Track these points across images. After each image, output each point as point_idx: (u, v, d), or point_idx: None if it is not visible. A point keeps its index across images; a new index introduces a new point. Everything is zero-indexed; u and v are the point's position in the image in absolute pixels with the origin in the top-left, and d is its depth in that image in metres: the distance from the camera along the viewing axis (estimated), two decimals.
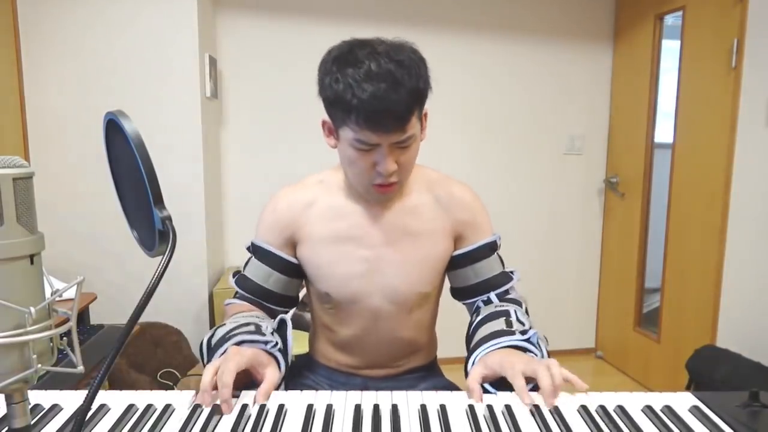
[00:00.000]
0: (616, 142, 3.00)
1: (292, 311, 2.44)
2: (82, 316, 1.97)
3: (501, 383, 0.88)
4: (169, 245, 0.57)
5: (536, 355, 0.91)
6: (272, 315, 1.10)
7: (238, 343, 0.91)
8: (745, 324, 2.19)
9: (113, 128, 0.60)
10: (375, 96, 0.88)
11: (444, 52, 2.82)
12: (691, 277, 2.44)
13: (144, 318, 2.19)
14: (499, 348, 0.92)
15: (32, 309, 0.50)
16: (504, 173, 2.98)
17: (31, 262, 0.51)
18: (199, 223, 2.37)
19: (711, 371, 2.06)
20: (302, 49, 2.64)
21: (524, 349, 0.92)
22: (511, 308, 1.03)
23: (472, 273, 1.11)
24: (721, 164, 2.23)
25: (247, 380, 0.88)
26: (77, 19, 2.19)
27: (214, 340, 0.96)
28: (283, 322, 1.02)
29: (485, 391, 0.87)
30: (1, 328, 0.49)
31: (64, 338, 0.55)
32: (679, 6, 2.48)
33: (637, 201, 2.80)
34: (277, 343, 0.94)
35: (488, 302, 1.10)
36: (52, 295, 0.52)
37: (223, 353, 0.90)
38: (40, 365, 0.51)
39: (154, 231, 0.59)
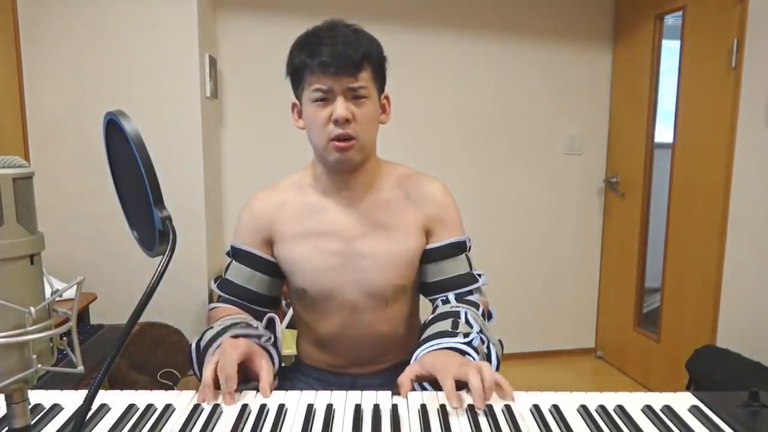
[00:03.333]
0: (616, 142, 3.00)
1: (288, 313, 2.44)
2: (82, 316, 1.97)
3: (438, 383, 0.87)
4: (169, 245, 0.57)
5: (474, 359, 0.90)
6: (256, 316, 1.11)
7: (233, 337, 0.93)
8: (745, 324, 2.19)
9: (113, 128, 0.60)
10: (328, 45, 0.97)
11: (443, 52, 2.82)
12: (691, 277, 2.44)
13: (144, 318, 2.19)
14: (438, 349, 0.92)
15: (32, 309, 0.50)
16: (504, 173, 2.98)
17: (31, 262, 0.51)
18: (199, 223, 2.37)
19: (711, 371, 2.06)
20: None
21: (464, 352, 0.92)
22: (463, 310, 1.02)
23: (436, 270, 1.11)
24: (721, 164, 2.23)
25: (241, 375, 0.88)
26: (77, 19, 2.19)
27: (203, 344, 0.96)
28: (271, 321, 1.03)
29: (423, 389, 0.88)
30: (1, 328, 0.49)
31: (64, 338, 0.55)
32: (679, 6, 2.48)
33: (637, 201, 2.80)
34: (270, 338, 0.97)
35: (446, 302, 1.10)
36: (52, 295, 0.52)
37: (217, 347, 0.91)
38: (40, 365, 0.51)
39: (154, 231, 0.59)
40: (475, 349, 0.92)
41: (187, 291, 2.39)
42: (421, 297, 1.20)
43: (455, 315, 1.01)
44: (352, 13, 2.67)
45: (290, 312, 2.39)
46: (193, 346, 0.98)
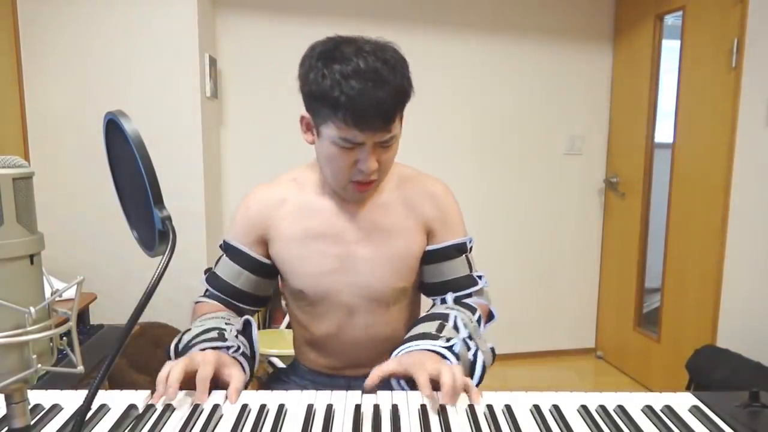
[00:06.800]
0: (616, 142, 3.00)
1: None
2: (82, 316, 1.97)
3: (413, 383, 0.87)
4: (169, 245, 0.57)
5: (451, 363, 0.90)
6: (241, 314, 1.10)
7: (202, 350, 0.91)
8: (745, 324, 2.19)
9: (113, 128, 0.60)
10: (363, 94, 0.88)
11: (443, 52, 2.81)
12: (691, 277, 2.44)
13: (144, 318, 2.18)
14: (417, 350, 0.91)
15: (32, 309, 0.50)
16: (504, 173, 2.98)
17: (31, 262, 0.51)
18: (199, 223, 2.37)
19: (711, 371, 2.06)
20: (302, 48, 2.61)
21: (444, 356, 0.91)
22: (452, 313, 1.01)
23: (437, 271, 1.10)
24: (721, 164, 2.23)
25: (212, 385, 0.87)
26: (77, 20, 2.19)
27: (181, 345, 0.96)
28: (248, 323, 1.02)
29: (401, 387, 0.87)
30: (1, 328, 0.49)
31: (64, 338, 0.55)
32: (679, 6, 2.48)
33: (637, 201, 2.80)
34: (239, 348, 0.94)
35: (444, 303, 1.09)
36: (52, 295, 0.52)
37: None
38: (40, 365, 0.51)
39: (154, 231, 0.59)
40: (456, 355, 0.91)
41: (187, 291, 2.39)
42: (424, 300, 1.19)
43: (443, 318, 1.00)
44: (352, 13, 2.67)
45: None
46: (172, 347, 0.98)
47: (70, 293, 0.52)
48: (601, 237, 3.14)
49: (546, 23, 2.89)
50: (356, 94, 0.87)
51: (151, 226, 0.59)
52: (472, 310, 1.06)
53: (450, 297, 1.09)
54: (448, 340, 0.93)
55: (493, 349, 1.02)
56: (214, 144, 2.56)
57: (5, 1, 2.08)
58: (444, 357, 0.90)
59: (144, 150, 0.57)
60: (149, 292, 0.53)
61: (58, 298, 0.52)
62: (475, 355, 0.95)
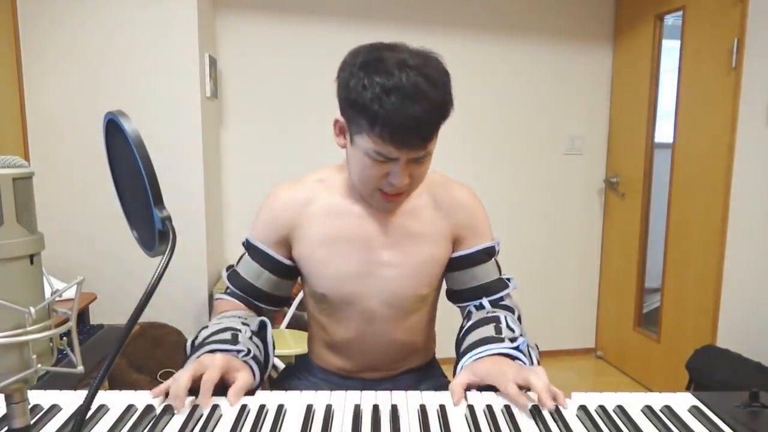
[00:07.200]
0: (616, 142, 3.00)
1: (293, 310, 2.43)
2: (82, 316, 1.97)
3: (488, 389, 0.87)
4: (169, 245, 0.57)
5: (524, 363, 0.90)
6: (260, 314, 1.09)
7: (212, 351, 0.89)
8: (746, 324, 2.19)
9: (113, 128, 0.60)
10: (403, 111, 0.86)
11: (443, 51, 2.79)
12: (691, 277, 2.44)
13: (144, 318, 2.19)
14: (487, 355, 0.91)
15: (32, 309, 0.49)
16: (504, 173, 2.98)
17: (31, 262, 0.51)
18: (199, 223, 2.37)
19: (711, 371, 2.05)
20: (302, 49, 2.64)
21: (513, 357, 0.91)
22: (501, 314, 1.01)
23: (468, 277, 1.10)
24: (721, 164, 2.23)
25: (218, 388, 0.85)
26: (77, 19, 2.19)
27: (197, 342, 0.95)
28: (264, 325, 1.01)
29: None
30: (1, 328, 0.49)
31: (64, 338, 0.55)
32: (679, 6, 2.48)
33: (637, 201, 2.80)
34: (250, 351, 0.91)
35: (480, 307, 1.09)
36: (52, 295, 0.52)
37: (197, 357, 0.89)
38: (40, 365, 0.51)
39: (154, 231, 0.59)
40: (523, 353, 0.91)
41: (187, 291, 2.39)
42: (439, 304, 1.19)
43: (495, 320, 0.99)
44: (352, 14, 2.67)
45: (290, 312, 2.39)
46: (188, 343, 0.97)
47: (70, 293, 0.52)
48: (601, 237, 3.14)
49: (546, 23, 2.89)
50: (396, 110, 0.86)
51: (151, 226, 0.59)
52: (511, 310, 1.06)
53: (486, 301, 1.09)
54: (512, 340, 0.93)
55: (537, 345, 1.02)
56: (214, 144, 2.56)
57: (5, 1, 2.08)
58: (515, 358, 0.90)
59: (144, 150, 0.57)
60: (149, 292, 0.53)
61: (58, 298, 0.52)
62: (529, 352, 0.96)
